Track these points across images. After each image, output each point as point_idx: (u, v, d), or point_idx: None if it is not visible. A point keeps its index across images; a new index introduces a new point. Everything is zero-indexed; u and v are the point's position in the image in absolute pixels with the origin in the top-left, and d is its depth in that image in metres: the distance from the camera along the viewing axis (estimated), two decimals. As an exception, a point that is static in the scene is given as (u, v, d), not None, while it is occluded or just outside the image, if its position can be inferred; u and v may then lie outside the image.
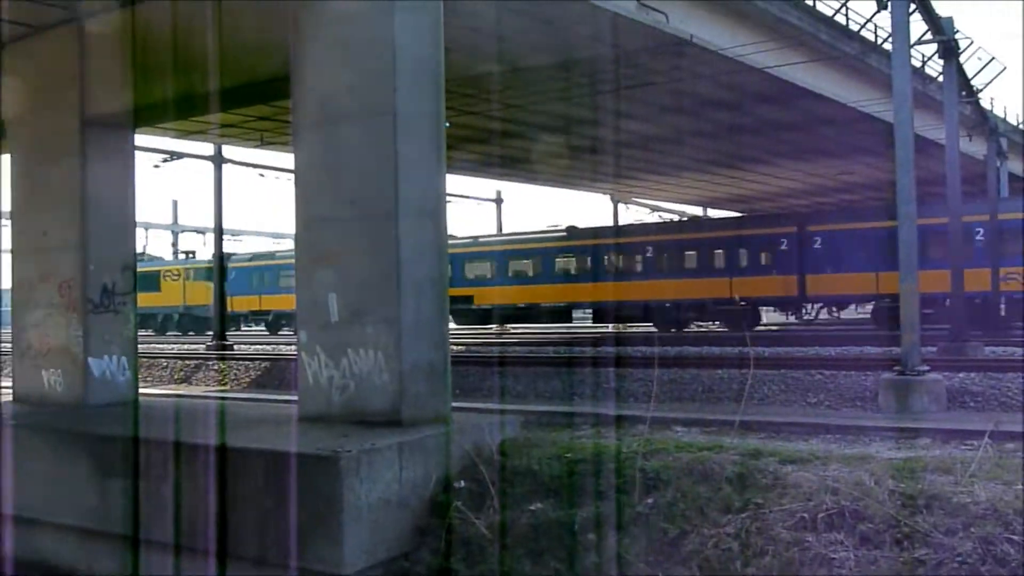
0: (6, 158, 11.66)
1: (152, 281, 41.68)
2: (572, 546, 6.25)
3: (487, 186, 44.99)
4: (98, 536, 8.39)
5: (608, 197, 41.79)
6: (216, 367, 18.23)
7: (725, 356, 15.81)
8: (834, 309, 34.12)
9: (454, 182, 40.00)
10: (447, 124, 8.45)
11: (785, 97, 21.29)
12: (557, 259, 33.52)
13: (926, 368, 12.00)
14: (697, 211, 46.79)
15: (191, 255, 46.26)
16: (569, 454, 7.06)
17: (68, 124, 10.63)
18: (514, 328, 36.34)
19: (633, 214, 43.85)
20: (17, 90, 11.27)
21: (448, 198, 8.71)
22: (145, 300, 37.84)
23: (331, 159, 8.14)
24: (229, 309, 41.40)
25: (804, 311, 32.54)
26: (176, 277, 43.02)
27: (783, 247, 29.45)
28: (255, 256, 43.58)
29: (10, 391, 11.86)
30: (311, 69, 8.35)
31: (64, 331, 10.59)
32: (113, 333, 10.66)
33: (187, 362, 18.98)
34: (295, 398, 8.92)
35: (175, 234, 59.00)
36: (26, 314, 11.06)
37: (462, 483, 7.10)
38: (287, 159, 30.02)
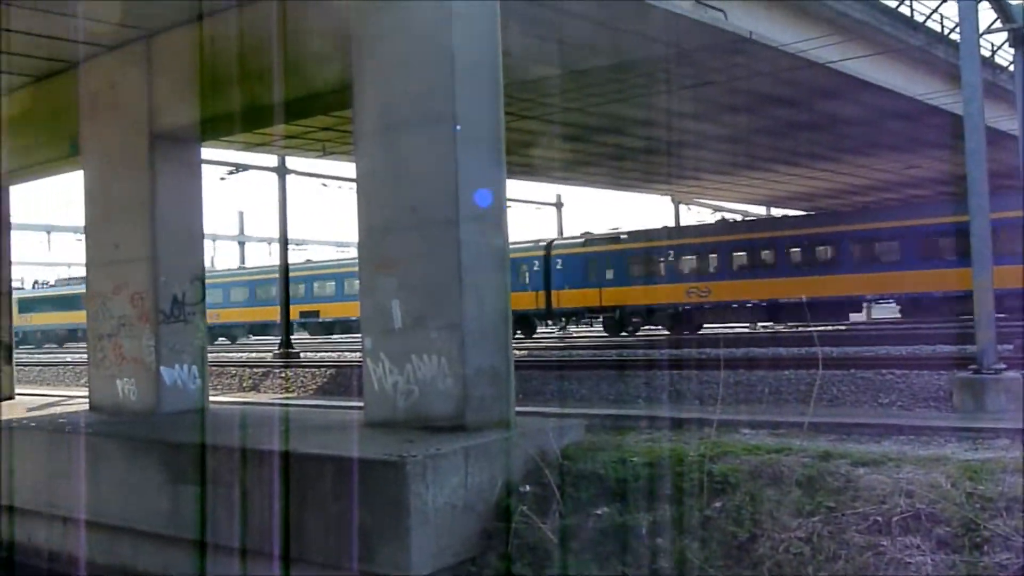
0: (80, 174, 12.02)
1: (75, 301, 45.97)
2: (639, 550, 6.20)
3: (548, 190, 45.09)
4: (172, 541, 8.59)
5: (669, 198, 41.46)
6: (283, 375, 18.50)
7: (792, 357, 15.56)
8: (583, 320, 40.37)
9: (514, 187, 40.47)
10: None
11: (848, 92, 20.84)
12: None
13: (1003, 366, 11.63)
14: (760, 210, 46.11)
15: None
16: (635, 458, 7.01)
17: (137, 139, 10.92)
18: (577, 331, 37.40)
19: (695, 215, 43.39)
20: (90, 107, 11.62)
21: (508, 203, 8.71)
22: (70, 317, 47.96)
23: (392, 167, 8.22)
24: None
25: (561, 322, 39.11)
26: None
27: (536, 268, 36.08)
28: None
29: (86, 400, 12.23)
30: (371, 78, 8.44)
31: (137, 341, 10.87)
32: (184, 343, 10.91)
33: (255, 370, 19.31)
34: (360, 404, 9.02)
35: (241, 245, 60.13)
36: (100, 325, 11.37)
37: (527, 487, 7.10)
38: (349, 168, 30.37)
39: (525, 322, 36.33)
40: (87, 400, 12.05)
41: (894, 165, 32.38)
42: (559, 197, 46.28)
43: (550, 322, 39.17)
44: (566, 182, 37.50)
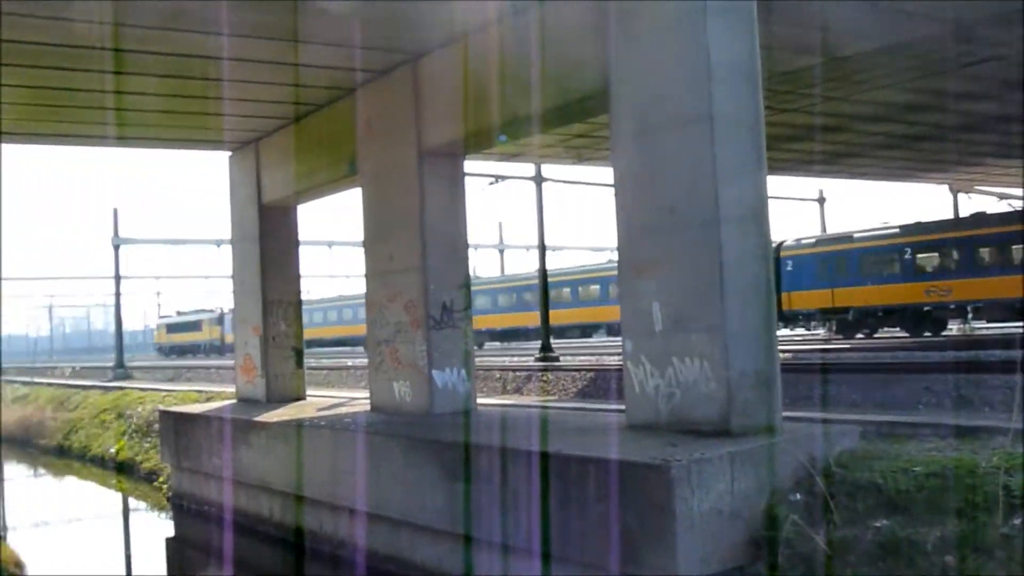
0: (358, 191, 12.98)
1: (197, 325, 69.67)
2: (924, 568, 5.75)
3: (810, 185, 43.12)
4: (445, 536, 9.04)
5: (946, 187, 38.28)
6: (543, 378, 18.95)
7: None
8: None
9: (775, 183, 39.02)
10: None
11: None
12: None
13: None
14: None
15: (220, 309, 66.71)
16: (918, 467, 6.51)
17: (407, 157, 11.63)
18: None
19: (976, 204, 39.70)
20: (365, 130, 12.53)
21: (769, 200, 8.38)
22: (192, 336, 69.86)
23: (649, 169, 8.19)
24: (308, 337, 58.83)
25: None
26: (209, 324, 67.28)
27: None
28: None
29: (367, 401, 13.16)
30: (626, 81, 8.47)
31: (411, 346, 11.56)
32: (453, 347, 11.46)
33: (517, 374, 19.92)
34: (619, 408, 9.04)
35: (501, 253, 62.33)
36: (379, 332, 12.21)
37: (797, 496, 6.81)
38: (603, 174, 30.66)
39: None
40: (368, 401, 12.98)
41: None
42: (821, 192, 44.10)
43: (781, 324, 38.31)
44: (829, 175, 35.61)
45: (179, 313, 77.84)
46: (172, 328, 76.10)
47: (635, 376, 8.19)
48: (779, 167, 28.05)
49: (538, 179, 27.39)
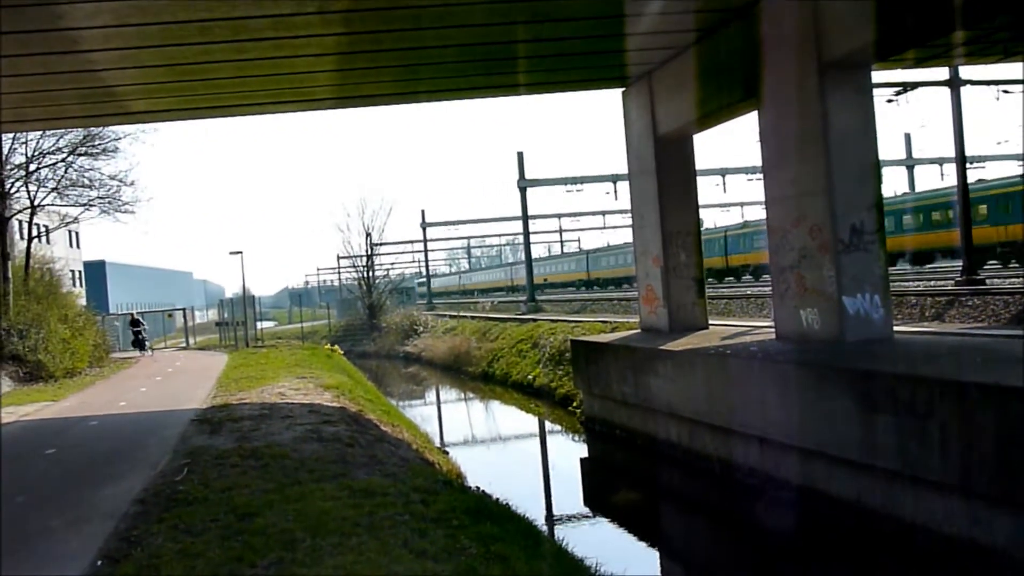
0: (754, 115, 12.55)
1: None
2: None
3: None
4: (865, 469, 8.59)
5: None
6: (968, 303, 17.17)
7: None
8: None
9: None
10: None
11: None
12: None
13: None
14: None
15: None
16: None
17: (806, 73, 10.99)
18: None
19: None
20: (758, 51, 12.01)
21: None
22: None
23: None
24: None
25: None
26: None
27: None
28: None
29: (769, 330, 12.83)
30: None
31: (817, 272, 11.04)
32: (864, 272, 10.77)
33: (936, 299, 18.26)
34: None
35: (909, 169, 57.32)
36: (782, 258, 11.79)
37: None
38: (1034, 69, 26.63)
39: None
40: (772, 330, 12.66)
41: None
42: None
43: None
44: None
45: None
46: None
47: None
48: None
49: (955, 82, 24.53)
